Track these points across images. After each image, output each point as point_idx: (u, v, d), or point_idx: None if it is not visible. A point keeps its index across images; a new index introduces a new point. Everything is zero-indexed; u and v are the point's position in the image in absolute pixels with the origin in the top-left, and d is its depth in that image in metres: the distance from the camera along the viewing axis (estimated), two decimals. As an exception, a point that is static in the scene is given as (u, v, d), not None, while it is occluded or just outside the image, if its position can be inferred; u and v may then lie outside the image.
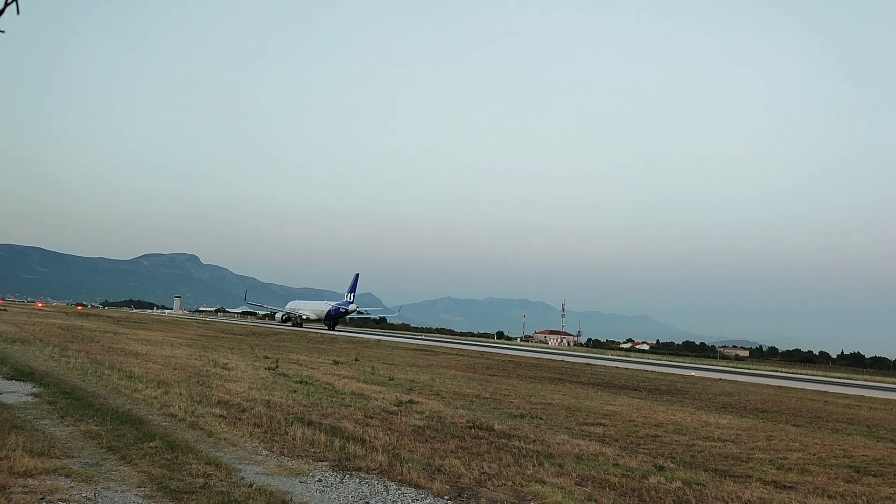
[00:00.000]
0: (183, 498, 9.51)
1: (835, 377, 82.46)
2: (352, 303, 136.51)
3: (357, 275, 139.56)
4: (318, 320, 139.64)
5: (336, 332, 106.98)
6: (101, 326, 66.33)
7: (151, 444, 12.65)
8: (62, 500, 9.06)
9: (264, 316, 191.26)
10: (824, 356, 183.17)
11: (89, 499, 9.22)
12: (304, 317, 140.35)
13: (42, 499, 9.06)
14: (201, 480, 10.47)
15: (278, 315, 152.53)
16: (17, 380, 21.05)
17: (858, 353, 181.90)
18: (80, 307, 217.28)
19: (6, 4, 9.58)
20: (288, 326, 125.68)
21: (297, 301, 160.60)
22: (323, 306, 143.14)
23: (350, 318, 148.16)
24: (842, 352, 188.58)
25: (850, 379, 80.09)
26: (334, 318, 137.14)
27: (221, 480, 10.57)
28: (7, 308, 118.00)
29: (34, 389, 19.08)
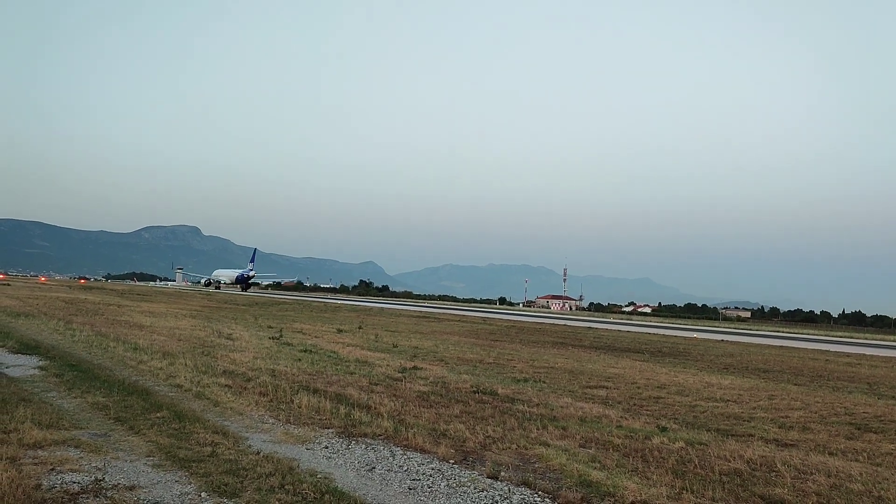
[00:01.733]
0: (191, 466, 9.61)
1: (836, 336, 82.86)
2: (252, 270, 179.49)
3: (255, 250, 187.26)
4: (232, 283, 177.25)
5: (339, 301, 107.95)
6: (105, 299, 66.56)
7: (159, 415, 12.74)
8: (72, 471, 9.15)
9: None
10: (826, 316, 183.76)
11: (99, 468, 9.31)
12: (223, 282, 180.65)
13: (52, 469, 9.16)
14: (209, 449, 10.57)
15: (202, 280, 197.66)
16: (23, 353, 21.19)
17: (860, 311, 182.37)
18: (82, 280, 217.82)
19: None
20: (210, 289, 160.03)
21: (218, 270, 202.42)
22: (234, 273, 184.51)
23: (255, 282, 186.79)
24: (843, 311, 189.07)
25: (851, 338, 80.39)
26: (244, 282, 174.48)
27: (229, 449, 10.68)
28: (10, 283, 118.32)
29: (40, 363, 19.21)
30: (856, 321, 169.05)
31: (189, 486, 8.81)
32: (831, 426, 15.91)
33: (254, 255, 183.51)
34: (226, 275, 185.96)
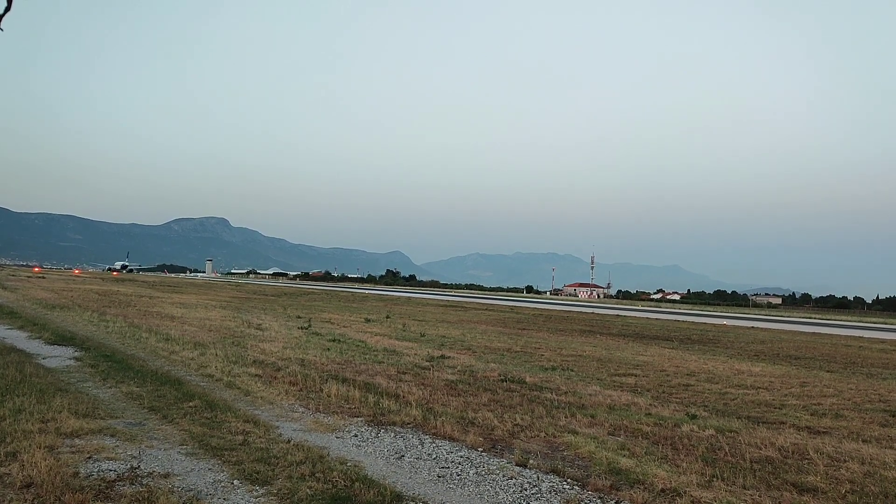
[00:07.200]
0: (224, 454, 9.74)
1: (870, 322, 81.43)
2: (128, 262, 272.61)
3: (128, 252, 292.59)
4: (119, 270, 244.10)
5: (366, 291, 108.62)
6: (137, 291, 67.59)
7: (191, 404, 12.92)
8: (108, 459, 9.32)
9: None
10: (859, 301, 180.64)
11: (134, 457, 9.48)
12: (117, 269, 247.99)
13: (89, 458, 9.34)
14: (241, 438, 10.70)
15: (107, 268, 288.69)
16: (59, 344, 21.60)
17: (894, 297, 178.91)
18: (115, 273, 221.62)
19: (6, 10, 9.96)
20: (115, 274, 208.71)
21: (119, 262, 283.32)
22: (120, 264, 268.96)
23: (130, 271, 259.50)
24: (877, 296, 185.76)
25: (885, 324, 78.93)
26: (124, 269, 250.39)
27: (260, 437, 10.80)
28: (45, 275, 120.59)
29: (76, 353, 19.57)
30: (891, 307, 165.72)
31: (222, 474, 8.93)
32: (865, 413, 15.66)
33: (127, 255, 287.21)
34: (120, 264, 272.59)
